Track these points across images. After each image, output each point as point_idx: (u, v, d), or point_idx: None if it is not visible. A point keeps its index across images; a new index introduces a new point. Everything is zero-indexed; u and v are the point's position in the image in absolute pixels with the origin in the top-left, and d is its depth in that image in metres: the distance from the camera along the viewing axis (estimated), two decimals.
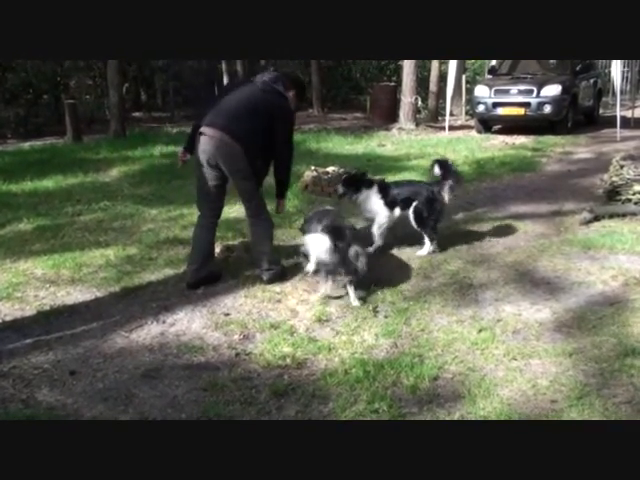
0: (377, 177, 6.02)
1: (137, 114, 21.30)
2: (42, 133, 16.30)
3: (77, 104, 15.74)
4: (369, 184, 5.66)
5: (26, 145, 13.94)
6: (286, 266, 5.21)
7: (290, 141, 4.92)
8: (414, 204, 5.59)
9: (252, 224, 4.97)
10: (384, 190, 5.64)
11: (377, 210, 5.64)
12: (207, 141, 4.65)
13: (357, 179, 5.69)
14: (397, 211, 5.66)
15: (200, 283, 4.91)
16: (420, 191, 5.63)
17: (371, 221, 5.75)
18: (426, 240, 5.66)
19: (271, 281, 4.93)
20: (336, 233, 4.41)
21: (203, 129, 4.68)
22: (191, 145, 4.87)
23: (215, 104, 4.86)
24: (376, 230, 5.67)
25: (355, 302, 4.50)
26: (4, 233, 6.46)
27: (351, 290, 4.54)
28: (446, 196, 5.56)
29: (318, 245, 4.35)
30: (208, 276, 4.98)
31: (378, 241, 5.69)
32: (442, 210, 5.68)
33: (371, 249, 5.58)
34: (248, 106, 4.73)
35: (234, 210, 7.20)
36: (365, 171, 6.02)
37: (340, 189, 5.74)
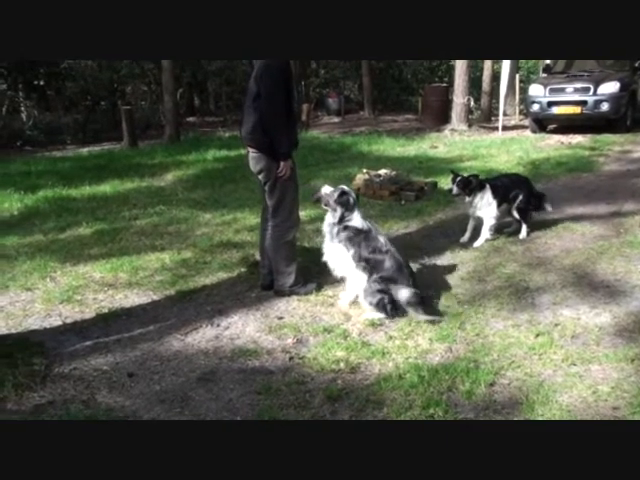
0: (467, 173, 6.15)
1: (191, 119, 21.68)
2: (100, 139, 16.75)
3: (133, 110, 16.11)
4: (482, 186, 5.92)
5: (84, 151, 14.34)
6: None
7: (271, 96, 4.41)
8: (518, 200, 6.09)
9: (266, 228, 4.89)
10: (496, 191, 5.96)
11: (491, 213, 5.95)
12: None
13: (470, 182, 5.87)
14: (503, 207, 6.10)
15: (272, 285, 4.93)
16: (521, 185, 6.14)
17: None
18: (524, 226, 6.17)
19: (278, 293, 4.86)
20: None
21: None
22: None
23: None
24: (487, 231, 5.99)
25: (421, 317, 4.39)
26: (64, 237, 6.64)
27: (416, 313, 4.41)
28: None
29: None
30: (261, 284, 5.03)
31: (487, 235, 6.00)
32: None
33: (477, 243, 5.94)
34: (248, 101, 4.64)
35: None
36: (477, 174, 6.14)
37: (455, 190, 5.87)
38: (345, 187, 4.68)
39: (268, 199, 4.74)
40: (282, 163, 4.58)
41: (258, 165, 4.65)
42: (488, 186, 5.92)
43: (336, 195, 4.55)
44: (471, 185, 5.84)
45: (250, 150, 4.68)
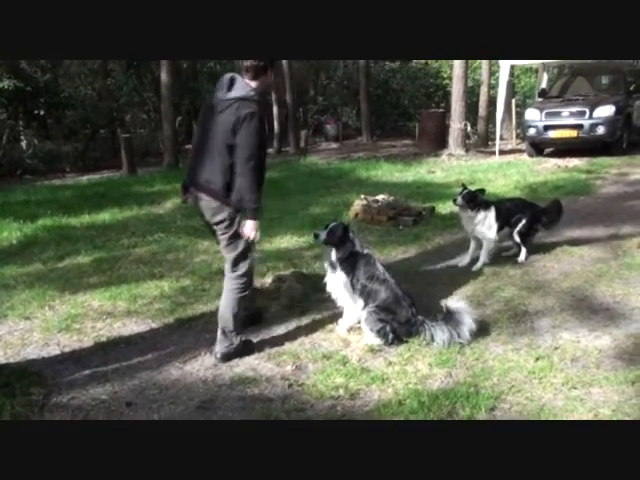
0: (473, 188, 6.13)
1: (189, 146, 21.74)
2: (99, 167, 16.85)
3: (132, 138, 16.22)
4: (487, 206, 5.93)
5: (84, 179, 14.41)
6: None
7: (253, 148, 3.99)
8: (520, 224, 6.08)
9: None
10: (499, 214, 5.97)
11: (490, 236, 5.95)
12: None
13: (476, 196, 5.91)
14: (504, 231, 6.09)
15: (230, 356, 4.28)
16: (524, 210, 6.12)
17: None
18: (523, 250, 6.13)
19: (225, 358, 4.23)
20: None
21: None
22: None
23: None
24: (486, 255, 5.98)
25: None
26: (63, 265, 6.64)
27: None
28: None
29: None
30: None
31: (486, 259, 5.98)
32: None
33: (476, 267, 5.91)
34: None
35: (285, 240, 7.27)
36: (483, 189, 6.19)
37: (459, 201, 5.86)
38: (340, 222, 4.64)
39: (228, 252, 4.22)
40: (251, 223, 4.07)
41: (218, 216, 4.11)
42: (493, 207, 5.93)
43: (341, 232, 4.52)
44: (477, 200, 5.86)
45: (205, 198, 4.12)
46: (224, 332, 4.24)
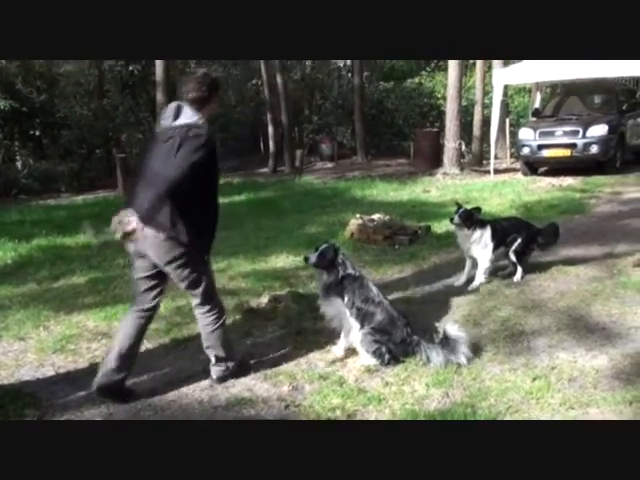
0: (468, 207, 6.15)
1: None
2: (95, 186, 16.84)
3: (128, 158, 16.24)
4: (482, 224, 5.96)
5: (79, 199, 14.40)
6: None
7: (210, 173, 3.84)
8: (516, 243, 6.07)
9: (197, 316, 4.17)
10: (495, 233, 5.98)
11: (486, 256, 5.96)
12: None
13: (472, 215, 5.94)
14: (500, 250, 6.10)
15: (111, 388, 3.94)
16: (520, 229, 6.14)
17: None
18: (519, 269, 6.12)
19: (221, 380, 4.16)
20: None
21: None
22: None
23: None
24: (482, 275, 5.98)
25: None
26: (58, 286, 6.62)
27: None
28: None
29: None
30: (116, 388, 3.97)
31: (482, 279, 5.98)
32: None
33: (472, 286, 5.91)
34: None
35: (280, 259, 7.26)
36: (479, 207, 6.20)
37: (456, 219, 5.87)
38: (331, 244, 4.59)
39: (190, 288, 3.99)
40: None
41: (170, 254, 3.79)
42: (489, 226, 5.96)
43: (331, 254, 4.49)
44: (473, 218, 5.88)
45: (155, 233, 3.71)
46: (218, 358, 4.15)
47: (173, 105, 3.88)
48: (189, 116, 3.78)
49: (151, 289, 4.00)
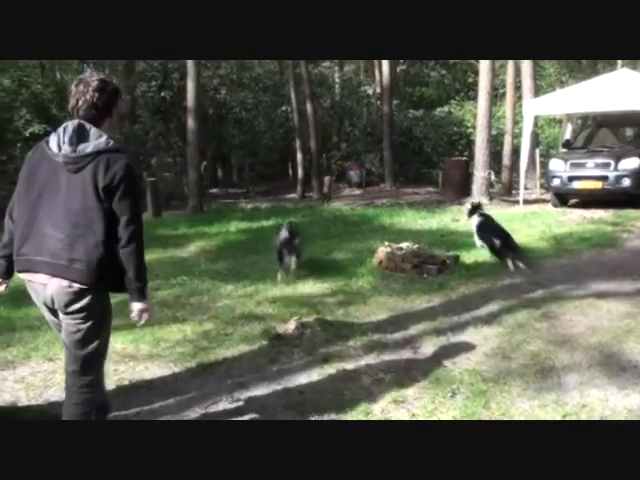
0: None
1: (214, 190, 22.05)
2: None
3: (158, 182, 16.46)
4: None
5: None
6: (357, 345, 5.12)
7: (139, 212, 3.22)
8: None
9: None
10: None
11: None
12: None
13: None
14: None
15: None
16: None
17: None
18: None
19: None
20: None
21: None
22: None
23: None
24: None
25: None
26: None
27: None
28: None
29: None
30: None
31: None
32: None
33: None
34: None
35: (307, 286, 7.26)
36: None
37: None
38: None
39: (78, 348, 3.23)
40: (140, 304, 3.30)
41: (79, 302, 3.13)
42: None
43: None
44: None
45: (65, 282, 3.08)
46: None
47: (72, 126, 3.11)
48: (97, 137, 3.11)
49: None
